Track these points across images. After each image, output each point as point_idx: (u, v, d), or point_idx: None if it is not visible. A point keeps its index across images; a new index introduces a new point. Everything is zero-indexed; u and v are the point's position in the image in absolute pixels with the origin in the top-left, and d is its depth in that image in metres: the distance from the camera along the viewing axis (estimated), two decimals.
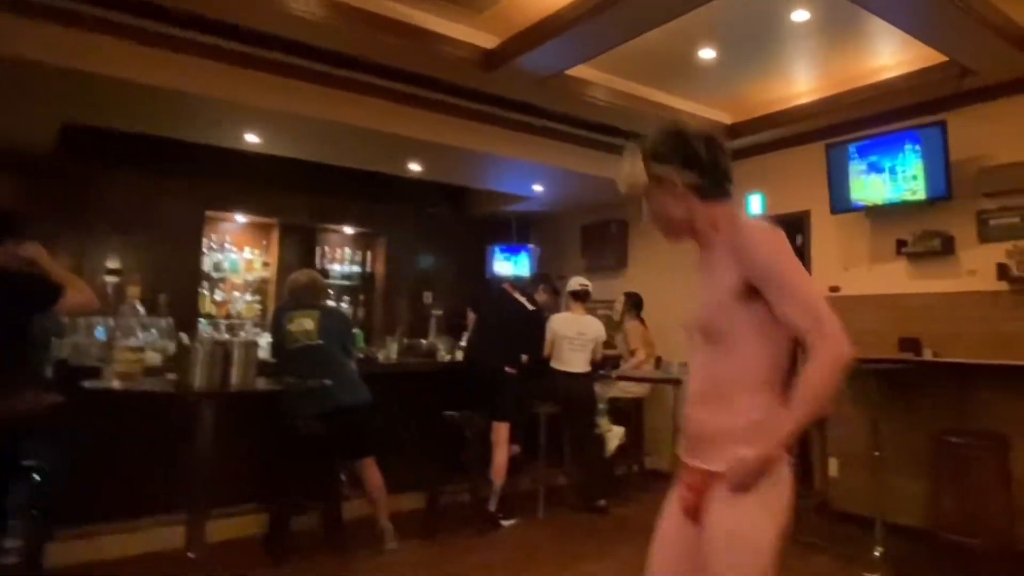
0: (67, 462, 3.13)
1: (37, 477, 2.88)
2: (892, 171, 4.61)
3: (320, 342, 3.82)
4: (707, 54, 4.32)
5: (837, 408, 4.79)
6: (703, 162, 1.58)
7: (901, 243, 4.72)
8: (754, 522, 1.44)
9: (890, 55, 4.31)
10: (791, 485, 1.50)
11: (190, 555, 2.73)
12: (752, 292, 1.49)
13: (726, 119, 5.37)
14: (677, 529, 1.59)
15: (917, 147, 4.48)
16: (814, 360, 1.40)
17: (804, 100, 4.94)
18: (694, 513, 1.53)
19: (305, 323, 3.84)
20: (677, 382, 5.05)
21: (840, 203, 4.93)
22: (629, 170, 1.63)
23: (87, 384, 2.71)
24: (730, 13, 3.73)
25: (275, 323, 3.99)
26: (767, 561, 1.43)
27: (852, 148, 4.83)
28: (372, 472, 3.87)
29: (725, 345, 1.54)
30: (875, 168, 4.70)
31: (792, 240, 5.38)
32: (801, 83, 4.83)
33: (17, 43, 3.37)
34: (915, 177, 4.49)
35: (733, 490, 1.45)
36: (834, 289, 5.12)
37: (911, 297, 4.68)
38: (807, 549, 4.13)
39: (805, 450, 4.79)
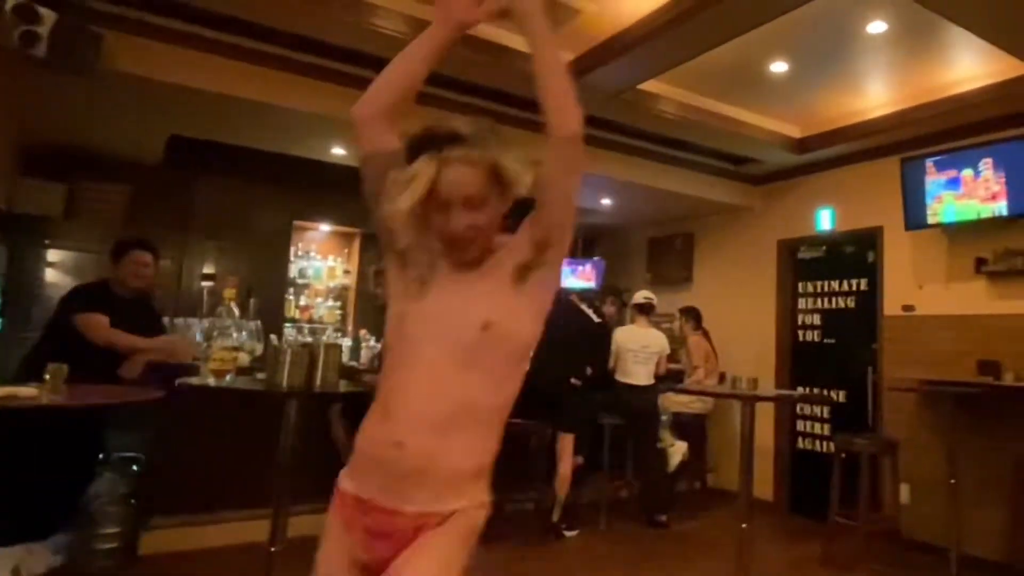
0: (163, 454, 3.32)
1: (136, 468, 3.04)
2: (971, 187, 4.49)
3: None
4: (779, 67, 4.29)
5: (910, 432, 4.66)
6: None
7: (981, 261, 4.56)
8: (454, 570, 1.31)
9: (969, 67, 4.20)
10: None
11: (272, 549, 2.83)
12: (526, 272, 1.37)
13: (796, 132, 5.30)
14: None
15: (998, 162, 4.35)
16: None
17: (878, 113, 4.83)
18: (382, 565, 1.29)
19: None
20: (743, 397, 4.95)
21: (915, 219, 4.79)
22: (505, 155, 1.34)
23: (182, 381, 2.86)
24: (804, 26, 3.70)
25: None
26: None
27: (929, 162, 4.70)
28: None
29: (502, 367, 1.36)
30: (953, 184, 4.58)
31: (863, 256, 5.32)
32: (875, 96, 4.73)
33: (130, 61, 3.62)
34: (996, 193, 4.36)
35: None
36: (908, 308, 4.98)
37: (991, 318, 4.51)
38: None
39: (874, 475, 4.66)
